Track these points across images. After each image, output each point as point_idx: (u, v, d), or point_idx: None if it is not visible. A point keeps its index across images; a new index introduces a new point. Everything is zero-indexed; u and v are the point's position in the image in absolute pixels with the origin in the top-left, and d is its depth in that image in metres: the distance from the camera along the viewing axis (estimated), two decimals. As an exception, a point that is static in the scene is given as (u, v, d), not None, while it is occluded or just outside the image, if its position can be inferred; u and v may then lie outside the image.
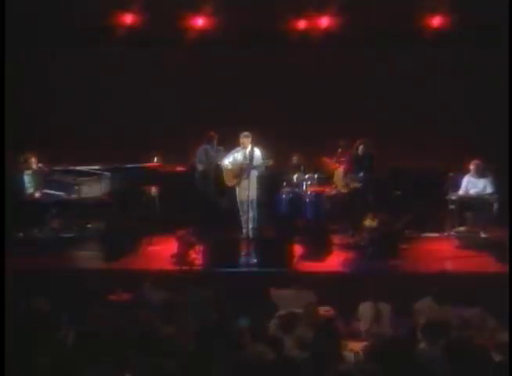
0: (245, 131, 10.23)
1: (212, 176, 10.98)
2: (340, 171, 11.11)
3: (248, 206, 10.18)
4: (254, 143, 10.16)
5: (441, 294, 7.58)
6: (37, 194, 10.20)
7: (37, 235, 9.96)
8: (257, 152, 10.19)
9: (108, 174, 10.56)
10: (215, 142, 11.10)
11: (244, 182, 10.18)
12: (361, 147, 10.69)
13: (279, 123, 11.35)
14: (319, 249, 9.65)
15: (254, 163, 10.15)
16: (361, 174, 10.62)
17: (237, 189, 10.36)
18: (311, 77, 11.81)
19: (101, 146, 11.42)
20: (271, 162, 10.13)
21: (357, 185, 10.65)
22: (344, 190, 10.93)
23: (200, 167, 11.10)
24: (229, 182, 10.40)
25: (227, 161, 10.36)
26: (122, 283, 8.36)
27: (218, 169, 10.68)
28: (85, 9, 11.15)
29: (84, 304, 7.35)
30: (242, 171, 10.20)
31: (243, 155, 10.23)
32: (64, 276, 8.86)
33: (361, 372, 5.12)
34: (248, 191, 10.09)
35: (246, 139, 10.19)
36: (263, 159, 10.12)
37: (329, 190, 11.04)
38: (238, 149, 10.30)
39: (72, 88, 11.99)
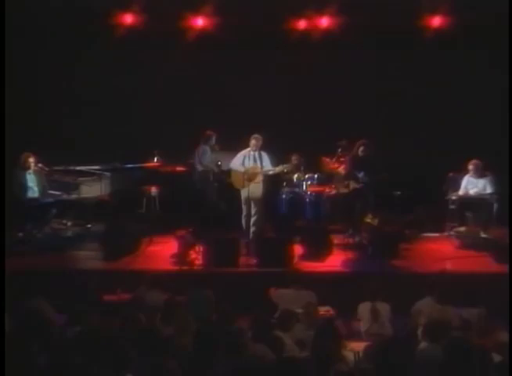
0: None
1: (212, 176, 10.95)
2: (340, 171, 11.09)
3: (251, 206, 10.21)
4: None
5: (441, 294, 7.57)
6: (37, 194, 10.20)
7: (37, 235, 9.95)
8: (265, 155, 10.25)
9: (108, 174, 10.59)
10: (213, 140, 11.03)
11: (253, 185, 10.20)
12: (362, 148, 10.64)
13: (278, 123, 11.32)
14: (319, 249, 9.65)
15: (265, 167, 10.19)
16: (361, 175, 10.60)
17: (242, 190, 10.35)
18: (311, 78, 11.80)
19: (101, 146, 11.41)
20: (289, 168, 10.25)
21: (357, 186, 10.63)
22: (344, 191, 10.92)
23: (199, 167, 11.08)
24: (240, 185, 10.36)
25: (238, 163, 10.35)
26: (122, 283, 8.36)
27: (220, 170, 10.69)
28: (85, 9, 11.13)
29: (84, 304, 7.34)
30: (256, 175, 10.21)
31: (253, 158, 10.25)
32: (64, 276, 8.87)
33: (361, 372, 5.12)
34: (254, 192, 10.13)
35: (256, 141, 10.23)
36: (280, 164, 10.29)
37: (329, 190, 11.02)
38: (247, 150, 10.33)
39: (72, 88, 11.98)
